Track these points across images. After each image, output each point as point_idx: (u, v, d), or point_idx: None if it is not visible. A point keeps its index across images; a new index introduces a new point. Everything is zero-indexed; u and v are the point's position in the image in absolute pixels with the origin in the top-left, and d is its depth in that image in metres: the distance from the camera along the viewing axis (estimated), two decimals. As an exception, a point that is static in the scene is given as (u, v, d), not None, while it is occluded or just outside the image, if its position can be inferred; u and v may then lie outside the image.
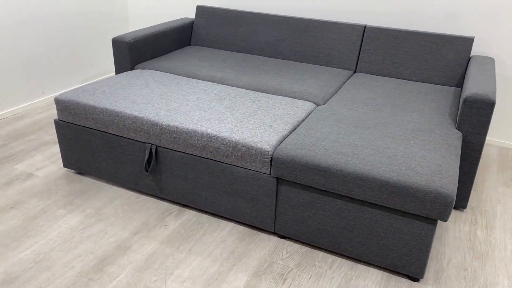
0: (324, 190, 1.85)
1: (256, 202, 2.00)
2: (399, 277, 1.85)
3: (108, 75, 3.96)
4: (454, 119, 2.20)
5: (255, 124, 2.05)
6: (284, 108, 2.23)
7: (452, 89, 2.60)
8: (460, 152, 1.94)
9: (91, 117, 2.23)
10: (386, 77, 2.77)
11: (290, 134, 2.03)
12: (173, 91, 2.39)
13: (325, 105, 2.34)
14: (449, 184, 1.66)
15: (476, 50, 2.88)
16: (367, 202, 1.78)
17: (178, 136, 2.04)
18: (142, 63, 2.90)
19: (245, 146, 1.91)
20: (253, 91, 2.45)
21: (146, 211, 2.20)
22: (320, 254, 1.97)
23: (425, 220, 1.70)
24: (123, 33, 4.01)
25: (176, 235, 2.04)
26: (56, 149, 2.75)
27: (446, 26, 2.90)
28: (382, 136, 1.98)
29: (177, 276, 1.81)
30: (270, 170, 1.92)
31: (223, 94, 2.37)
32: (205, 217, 2.18)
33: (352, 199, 1.81)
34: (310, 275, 1.84)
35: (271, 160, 1.90)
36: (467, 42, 2.61)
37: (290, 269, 1.87)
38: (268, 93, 2.47)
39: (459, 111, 2.09)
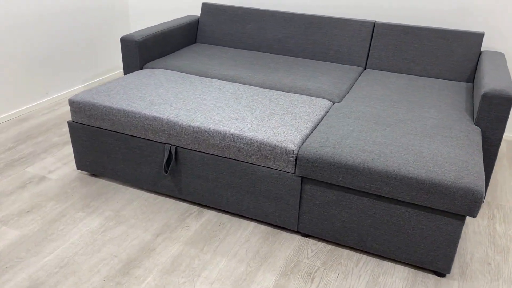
0: (350, 188, 1.85)
1: (280, 201, 1.99)
2: (425, 273, 1.87)
3: (111, 74, 3.91)
4: (471, 114, 2.22)
5: (277, 123, 2.04)
6: (302, 106, 2.23)
7: (464, 84, 2.62)
8: (481, 148, 1.95)
9: (108, 118, 2.20)
10: (397, 73, 2.78)
11: (312, 132, 2.02)
12: (188, 90, 2.37)
13: (341, 102, 2.34)
14: (477, 180, 1.67)
15: (485, 45, 2.90)
16: (394, 199, 1.79)
17: (199, 137, 2.02)
18: (151, 62, 2.86)
19: (269, 146, 1.90)
20: (268, 89, 2.44)
21: (166, 212, 2.18)
22: (345, 252, 1.97)
23: (453, 216, 1.72)
24: (125, 31, 3.96)
25: (199, 236, 2.03)
26: (66, 150, 2.70)
27: (455, 22, 2.92)
28: (404, 133, 1.99)
29: (205, 278, 1.79)
30: (295, 169, 1.91)
31: (239, 93, 2.35)
32: (225, 217, 2.17)
33: (379, 197, 1.81)
34: (337, 273, 1.85)
35: (295, 159, 1.90)
36: (477, 37, 2.62)
37: (317, 267, 1.87)
38: (283, 91, 2.46)
39: (477, 107, 2.10)
